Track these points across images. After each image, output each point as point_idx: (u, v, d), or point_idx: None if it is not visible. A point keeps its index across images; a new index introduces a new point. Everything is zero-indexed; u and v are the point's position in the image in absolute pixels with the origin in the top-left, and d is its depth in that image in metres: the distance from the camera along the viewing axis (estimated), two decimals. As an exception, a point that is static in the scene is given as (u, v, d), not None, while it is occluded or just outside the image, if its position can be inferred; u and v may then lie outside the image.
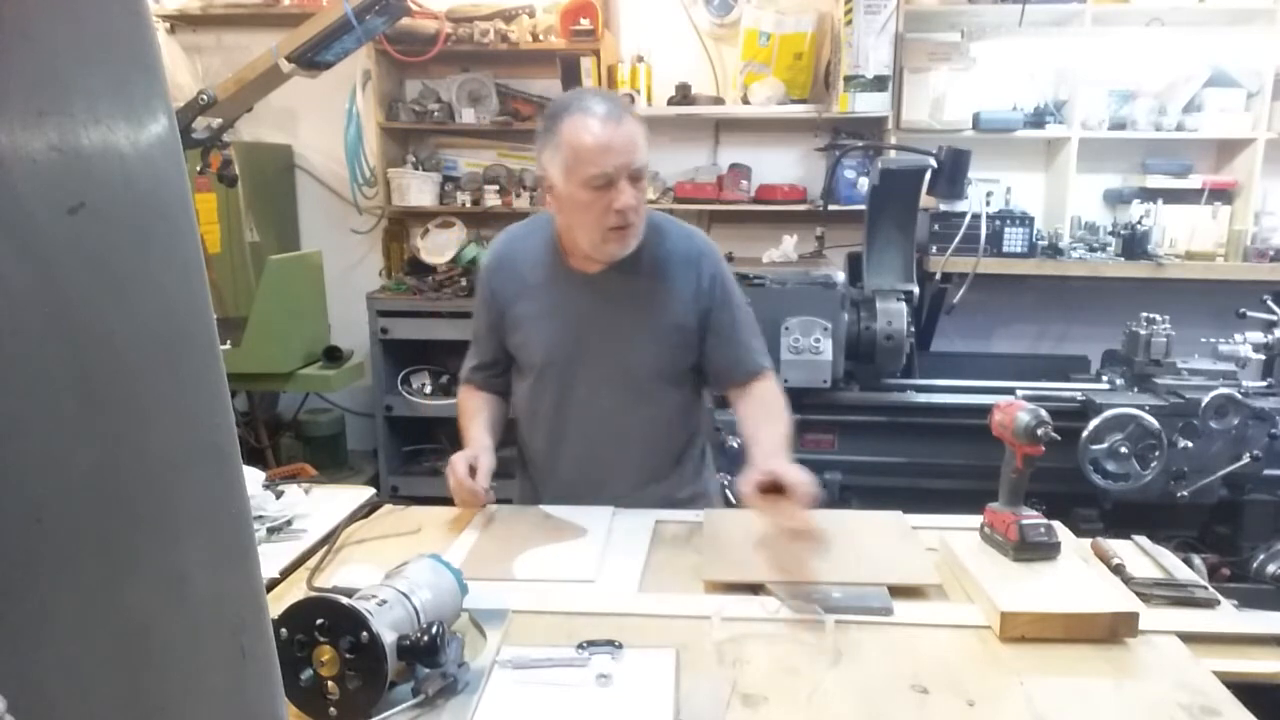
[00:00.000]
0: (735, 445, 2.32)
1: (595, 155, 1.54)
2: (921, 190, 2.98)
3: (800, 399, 2.53)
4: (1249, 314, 2.69)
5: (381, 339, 3.66)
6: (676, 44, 3.78)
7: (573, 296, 1.70)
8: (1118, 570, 1.41)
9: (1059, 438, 1.40)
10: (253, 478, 1.64)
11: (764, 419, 1.67)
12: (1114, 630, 1.22)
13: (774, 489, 1.43)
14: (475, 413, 1.80)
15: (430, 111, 3.78)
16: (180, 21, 3.84)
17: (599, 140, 1.53)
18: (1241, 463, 2.53)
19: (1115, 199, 3.70)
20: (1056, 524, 1.47)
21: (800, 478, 1.42)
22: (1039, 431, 1.36)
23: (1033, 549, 1.37)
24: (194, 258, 0.57)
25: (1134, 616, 1.22)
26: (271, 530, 1.55)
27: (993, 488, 1.51)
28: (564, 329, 1.71)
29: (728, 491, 2.01)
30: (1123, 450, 2.50)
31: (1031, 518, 1.40)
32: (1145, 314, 2.80)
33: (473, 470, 1.63)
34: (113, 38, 0.51)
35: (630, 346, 1.70)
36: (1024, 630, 1.22)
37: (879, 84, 3.35)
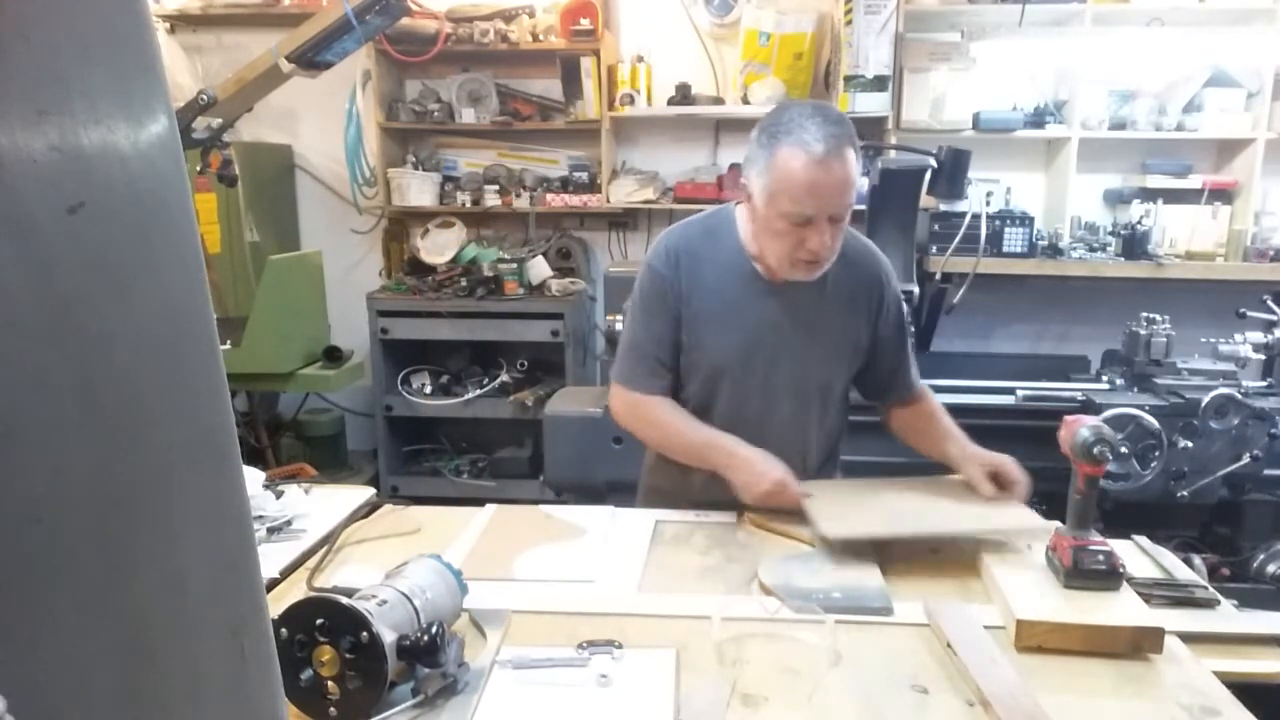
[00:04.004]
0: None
1: (800, 195, 1.49)
2: (921, 190, 2.97)
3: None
4: (1249, 314, 2.69)
5: (381, 339, 3.66)
6: (676, 44, 3.78)
7: (754, 302, 1.67)
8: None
9: (1111, 457, 1.31)
10: (253, 478, 1.64)
11: (944, 420, 1.74)
12: (1137, 645, 1.17)
13: (992, 479, 1.56)
14: (696, 421, 1.69)
15: (430, 111, 3.77)
16: (180, 21, 3.84)
17: (808, 180, 1.48)
18: (1241, 463, 2.53)
19: (1115, 199, 3.69)
20: (1128, 546, 1.45)
21: (1021, 475, 1.55)
22: (1095, 450, 1.27)
23: (1085, 577, 1.27)
24: (194, 258, 0.56)
25: (1159, 632, 1.17)
26: (271, 530, 1.55)
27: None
28: (742, 334, 1.66)
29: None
30: (1123, 450, 2.50)
31: (1090, 543, 1.29)
32: (1145, 314, 2.80)
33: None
34: (113, 38, 0.51)
35: (807, 359, 1.68)
36: (1041, 640, 1.18)
37: (879, 84, 3.35)
